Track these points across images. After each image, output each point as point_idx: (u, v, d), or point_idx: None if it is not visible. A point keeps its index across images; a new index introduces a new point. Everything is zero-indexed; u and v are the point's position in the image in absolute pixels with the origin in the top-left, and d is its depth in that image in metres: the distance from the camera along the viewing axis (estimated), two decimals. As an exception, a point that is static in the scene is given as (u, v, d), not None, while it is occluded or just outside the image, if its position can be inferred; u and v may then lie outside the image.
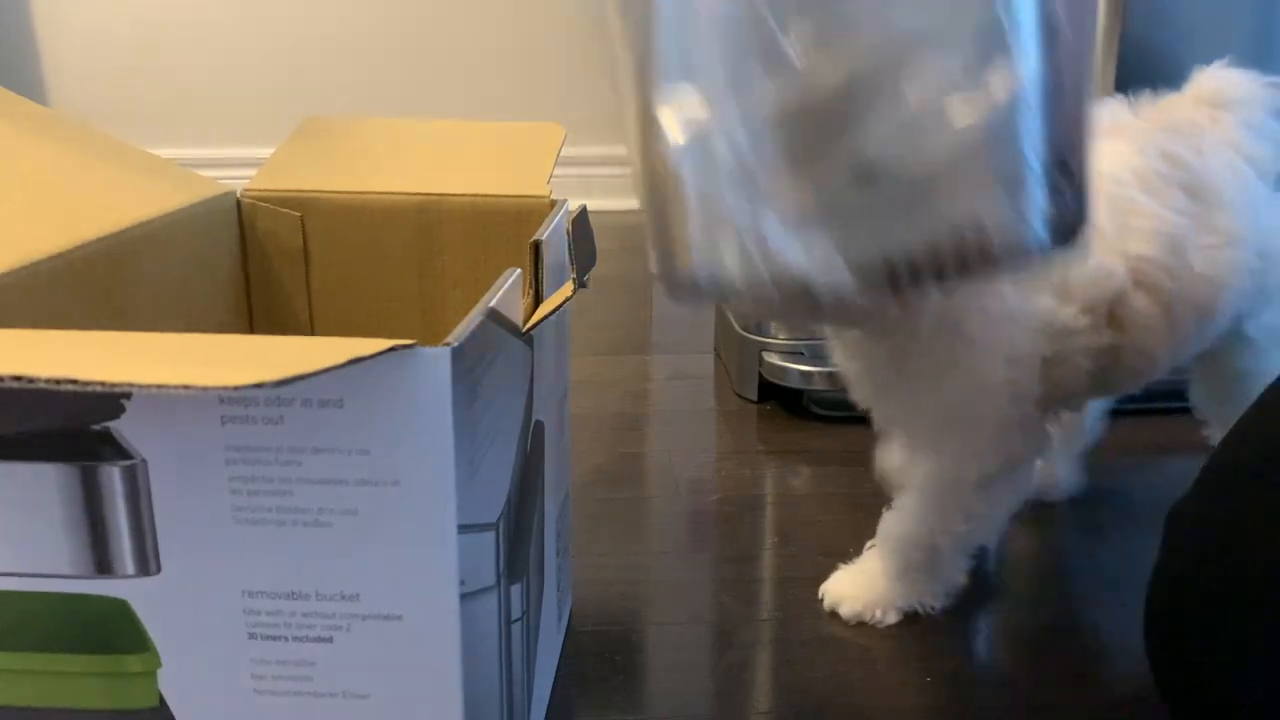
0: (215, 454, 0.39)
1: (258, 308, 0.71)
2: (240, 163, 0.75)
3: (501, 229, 0.68)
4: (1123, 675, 0.67)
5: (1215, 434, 0.86)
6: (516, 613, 0.52)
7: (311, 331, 0.71)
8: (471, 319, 0.41)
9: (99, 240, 0.54)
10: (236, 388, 0.28)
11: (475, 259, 0.69)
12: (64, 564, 0.41)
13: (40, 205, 0.54)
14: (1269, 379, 0.76)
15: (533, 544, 0.56)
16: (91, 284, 0.53)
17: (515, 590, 0.51)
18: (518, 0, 1.32)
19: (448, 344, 0.38)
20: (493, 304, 0.44)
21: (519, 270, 0.49)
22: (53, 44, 1.26)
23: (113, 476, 0.39)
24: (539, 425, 0.57)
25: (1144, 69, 1.01)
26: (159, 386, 0.28)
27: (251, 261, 0.70)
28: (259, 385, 0.29)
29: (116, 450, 0.39)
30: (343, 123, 0.77)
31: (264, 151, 0.72)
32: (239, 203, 0.69)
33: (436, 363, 0.38)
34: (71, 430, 0.39)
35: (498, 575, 0.47)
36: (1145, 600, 0.53)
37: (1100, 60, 1.01)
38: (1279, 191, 0.75)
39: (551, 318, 0.57)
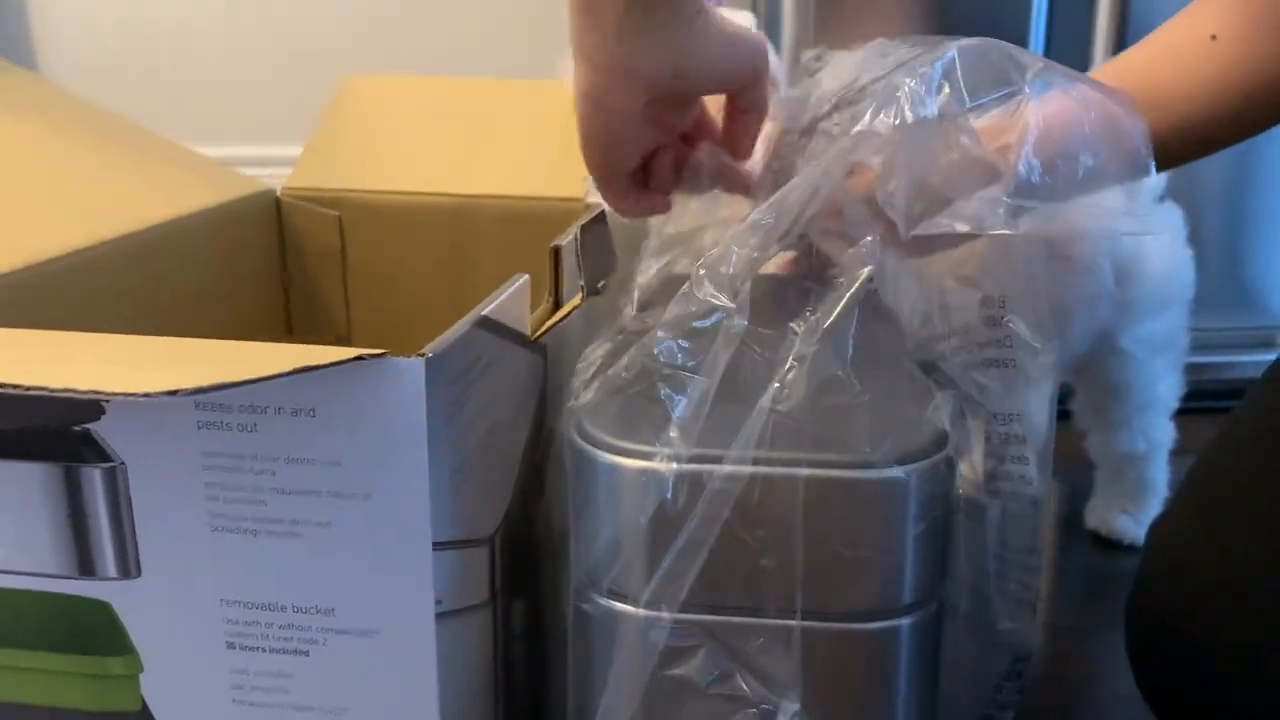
0: (192, 459, 0.38)
1: (295, 306, 0.71)
2: (284, 162, 0.76)
3: (535, 230, 0.66)
4: (1121, 678, 0.64)
5: (1097, 442, 0.87)
6: (520, 629, 0.50)
7: (348, 330, 0.71)
8: (455, 328, 0.39)
9: (121, 238, 0.54)
10: (148, 395, 0.27)
11: (508, 260, 0.67)
12: (49, 563, 0.40)
13: (66, 201, 0.55)
14: (1145, 389, 0.82)
15: (547, 557, 0.54)
16: (110, 282, 0.54)
17: (518, 606, 0.50)
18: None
19: (422, 354, 0.36)
20: (485, 312, 0.42)
21: (525, 276, 0.48)
22: (90, 37, 1.29)
23: (94, 478, 0.39)
24: (555, 435, 0.55)
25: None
26: (68, 390, 0.27)
27: (290, 259, 0.70)
28: (173, 393, 0.28)
29: (97, 452, 0.39)
30: (379, 84, 0.76)
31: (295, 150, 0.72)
32: (278, 201, 0.69)
33: (409, 373, 0.36)
34: (56, 430, 0.39)
35: (493, 591, 0.46)
36: (1125, 608, 0.54)
37: (1103, 29, 0.97)
38: (1161, 206, 0.76)
39: (579, 323, 0.55)
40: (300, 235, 0.69)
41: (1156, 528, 0.55)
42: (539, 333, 0.49)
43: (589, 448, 0.42)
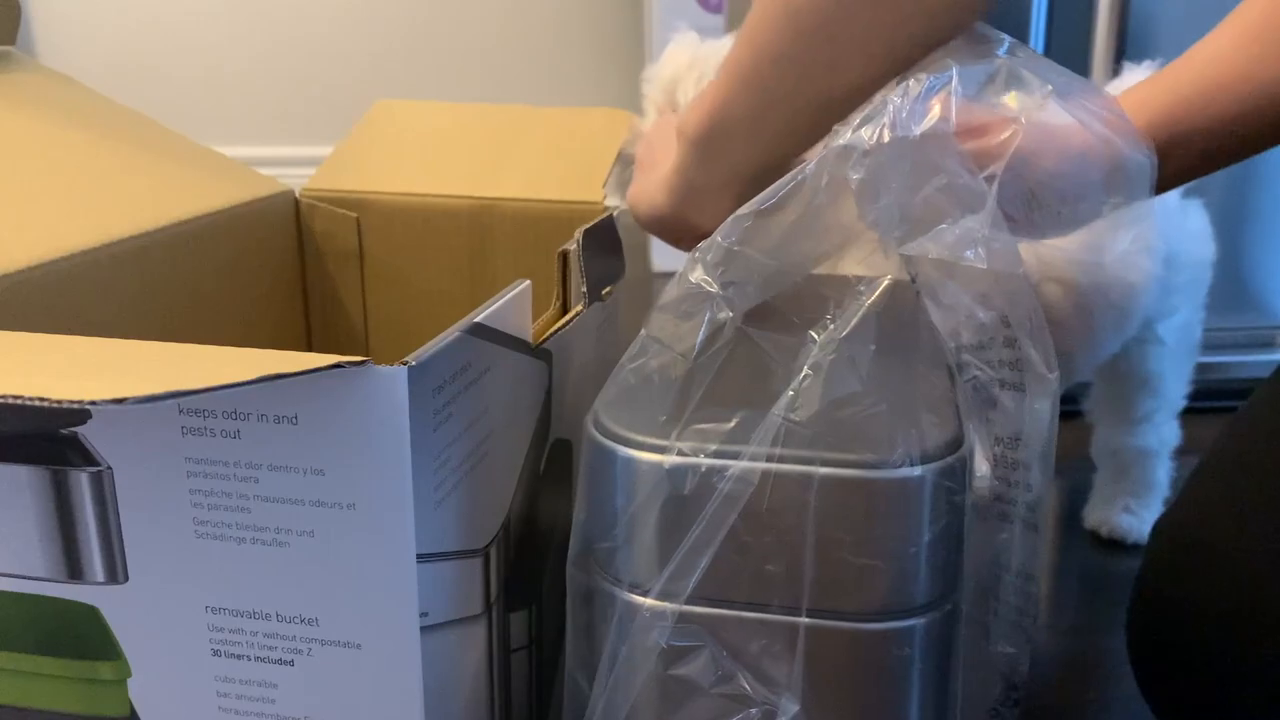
0: (176, 465, 0.38)
1: (314, 307, 0.70)
2: (286, 161, 0.75)
3: (553, 234, 0.65)
4: (1123, 678, 0.64)
5: (1105, 438, 0.86)
6: (520, 641, 0.50)
7: (366, 332, 0.71)
8: (443, 336, 0.38)
9: (135, 237, 0.54)
10: (94, 402, 0.27)
11: (527, 263, 0.67)
12: (38, 566, 0.40)
13: (79, 199, 0.55)
14: (1172, 382, 0.81)
15: (553, 568, 0.53)
16: (123, 282, 0.54)
17: (518, 618, 0.49)
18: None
19: (405, 362, 0.36)
20: (480, 319, 0.42)
21: (527, 282, 0.47)
22: (90, 37, 1.30)
23: (81, 482, 0.39)
24: (563, 444, 0.54)
25: (1147, 40, 0.99)
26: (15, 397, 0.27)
27: (309, 261, 0.69)
28: (120, 401, 0.27)
29: (84, 456, 0.38)
30: (410, 109, 0.76)
31: (320, 151, 0.72)
32: (297, 202, 0.68)
33: (392, 382, 0.35)
34: (43, 433, 0.38)
35: (488, 603, 0.45)
36: (1127, 609, 0.54)
37: (1103, 28, 0.95)
38: (1186, 199, 0.76)
39: (589, 329, 0.55)
40: (319, 237, 0.69)
41: (1159, 527, 0.55)
42: (542, 339, 0.48)
43: (602, 439, 0.41)
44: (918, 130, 0.41)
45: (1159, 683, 0.53)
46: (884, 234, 0.42)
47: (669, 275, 0.50)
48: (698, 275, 0.44)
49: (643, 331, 0.46)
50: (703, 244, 0.45)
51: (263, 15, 1.33)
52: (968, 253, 0.40)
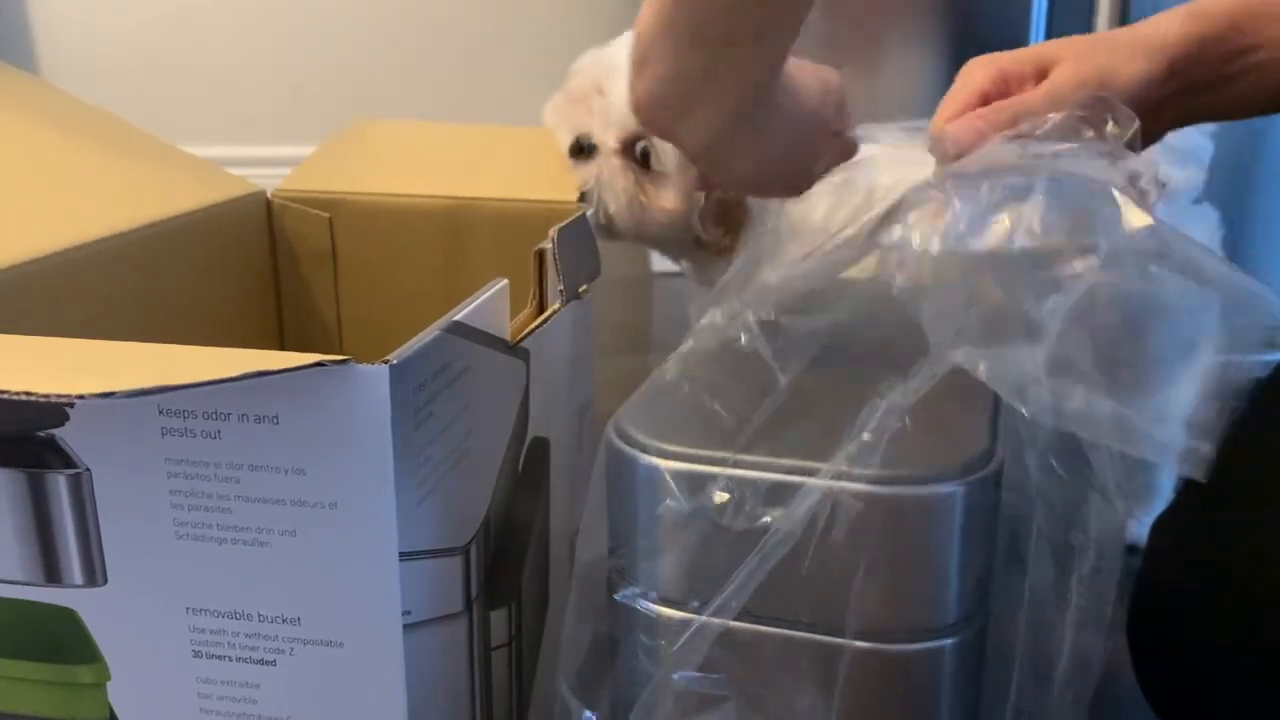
0: (156, 466, 0.38)
1: (286, 309, 0.70)
2: (284, 162, 0.75)
3: (529, 234, 0.65)
4: (1124, 678, 0.63)
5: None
6: (500, 639, 0.50)
7: (339, 333, 0.71)
8: (423, 335, 0.39)
9: (105, 239, 0.54)
10: (81, 396, 0.27)
11: (503, 263, 0.67)
12: (14, 569, 0.40)
13: (47, 200, 0.54)
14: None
15: (530, 566, 0.54)
16: (94, 284, 0.53)
17: (497, 616, 0.49)
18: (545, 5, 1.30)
19: (386, 361, 0.36)
20: (459, 317, 0.42)
21: (504, 280, 0.47)
22: (90, 37, 1.29)
23: (59, 484, 0.39)
24: (540, 442, 0.54)
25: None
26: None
27: (280, 262, 0.69)
28: (108, 395, 0.27)
29: (62, 458, 0.38)
30: (386, 126, 0.76)
31: (305, 151, 0.72)
32: (269, 203, 0.68)
33: (374, 381, 0.36)
34: (20, 435, 0.38)
35: (468, 601, 0.45)
36: (1128, 604, 0.54)
37: (1103, 28, 0.96)
38: (1198, 205, 0.75)
39: (565, 327, 0.55)
40: (291, 237, 0.68)
41: (1158, 525, 0.55)
42: (519, 338, 0.48)
43: (645, 457, 0.41)
44: (976, 244, 0.37)
45: (1160, 683, 0.53)
46: (932, 339, 0.38)
47: (669, 275, 0.50)
48: (746, 338, 0.43)
49: (672, 362, 0.45)
50: (750, 297, 0.44)
51: (246, 13, 1.32)
52: (1015, 401, 0.37)
